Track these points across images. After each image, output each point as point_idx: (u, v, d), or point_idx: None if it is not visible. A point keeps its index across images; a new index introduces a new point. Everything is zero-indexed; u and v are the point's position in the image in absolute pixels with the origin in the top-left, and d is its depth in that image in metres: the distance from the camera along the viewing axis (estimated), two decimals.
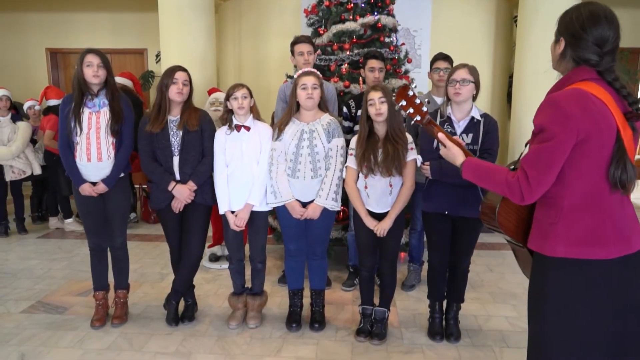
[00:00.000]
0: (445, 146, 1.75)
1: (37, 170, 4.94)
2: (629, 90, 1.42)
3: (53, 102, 5.06)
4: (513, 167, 1.57)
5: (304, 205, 2.74)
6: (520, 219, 1.59)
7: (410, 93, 1.85)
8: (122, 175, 2.86)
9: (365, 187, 2.64)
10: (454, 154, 1.72)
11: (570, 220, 1.42)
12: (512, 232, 1.60)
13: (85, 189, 2.75)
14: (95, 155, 2.72)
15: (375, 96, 2.54)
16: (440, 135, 1.76)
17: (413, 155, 2.61)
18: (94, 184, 2.77)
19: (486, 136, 2.54)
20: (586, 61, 1.43)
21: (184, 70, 2.77)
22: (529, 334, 1.58)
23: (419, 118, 1.85)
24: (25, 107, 5.43)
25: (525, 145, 1.53)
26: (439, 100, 3.42)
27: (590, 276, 1.41)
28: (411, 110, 1.85)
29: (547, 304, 1.47)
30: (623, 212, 1.44)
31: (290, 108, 2.76)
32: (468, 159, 1.67)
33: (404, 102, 1.86)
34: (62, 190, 4.87)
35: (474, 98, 2.59)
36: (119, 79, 4.79)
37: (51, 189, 5.17)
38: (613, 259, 1.40)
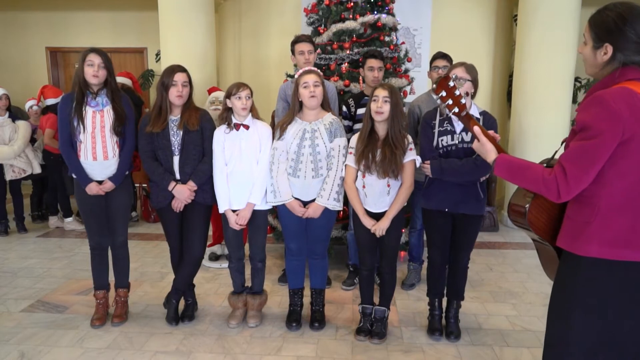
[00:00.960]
0: (479, 141, 1.68)
1: (37, 169, 4.94)
2: None
3: (51, 101, 5.05)
4: (546, 164, 1.54)
5: (305, 204, 2.74)
6: (551, 218, 1.57)
7: (451, 84, 1.77)
8: (126, 173, 2.86)
9: (363, 187, 2.63)
10: (487, 150, 1.65)
11: (606, 221, 1.40)
12: (541, 230, 1.58)
13: (93, 189, 2.74)
14: (101, 154, 2.71)
15: (380, 94, 2.54)
16: (476, 129, 1.70)
17: (412, 156, 2.60)
18: (99, 182, 2.77)
19: None
20: (635, 62, 1.40)
21: (184, 70, 2.75)
22: (547, 333, 1.56)
23: (457, 110, 1.79)
24: (26, 106, 5.43)
25: (562, 144, 1.51)
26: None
27: (622, 277, 1.40)
28: (450, 101, 1.78)
29: (575, 304, 1.45)
30: None
31: (293, 107, 2.76)
32: (501, 156, 1.61)
33: (444, 93, 1.78)
34: (67, 189, 4.87)
35: (472, 96, 2.59)
36: (118, 78, 4.79)
37: (51, 187, 5.17)
38: None
